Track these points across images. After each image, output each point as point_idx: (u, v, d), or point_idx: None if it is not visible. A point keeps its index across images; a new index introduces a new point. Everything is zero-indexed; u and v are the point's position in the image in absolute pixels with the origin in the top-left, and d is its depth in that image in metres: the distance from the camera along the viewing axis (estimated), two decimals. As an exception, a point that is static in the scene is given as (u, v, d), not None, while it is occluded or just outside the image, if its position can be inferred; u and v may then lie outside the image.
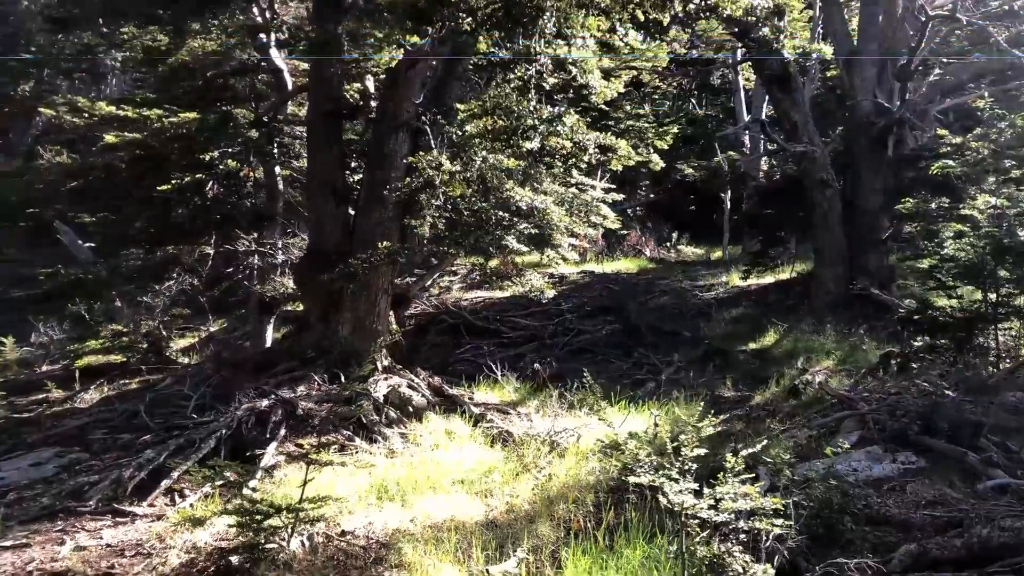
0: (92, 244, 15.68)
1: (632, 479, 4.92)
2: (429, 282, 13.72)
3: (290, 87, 11.78)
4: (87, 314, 14.54)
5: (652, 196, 24.43)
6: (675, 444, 4.89)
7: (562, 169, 8.83)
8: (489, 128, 8.14)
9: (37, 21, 19.47)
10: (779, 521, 4.70)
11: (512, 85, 8.11)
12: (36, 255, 17.60)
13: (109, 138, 11.38)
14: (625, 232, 20.36)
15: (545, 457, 7.34)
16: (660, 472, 4.72)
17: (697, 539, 4.56)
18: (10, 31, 22.59)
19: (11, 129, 23.26)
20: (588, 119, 9.31)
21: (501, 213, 8.58)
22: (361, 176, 10.44)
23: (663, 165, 12.58)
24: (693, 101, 26.08)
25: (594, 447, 7.25)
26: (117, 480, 6.74)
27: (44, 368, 14.29)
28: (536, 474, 6.95)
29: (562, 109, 8.07)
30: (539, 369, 10.79)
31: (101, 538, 5.88)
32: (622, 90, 8.98)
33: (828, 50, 11.47)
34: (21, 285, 16.99)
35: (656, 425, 6.30)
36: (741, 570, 4.32)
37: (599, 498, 6.24)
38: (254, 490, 5.98)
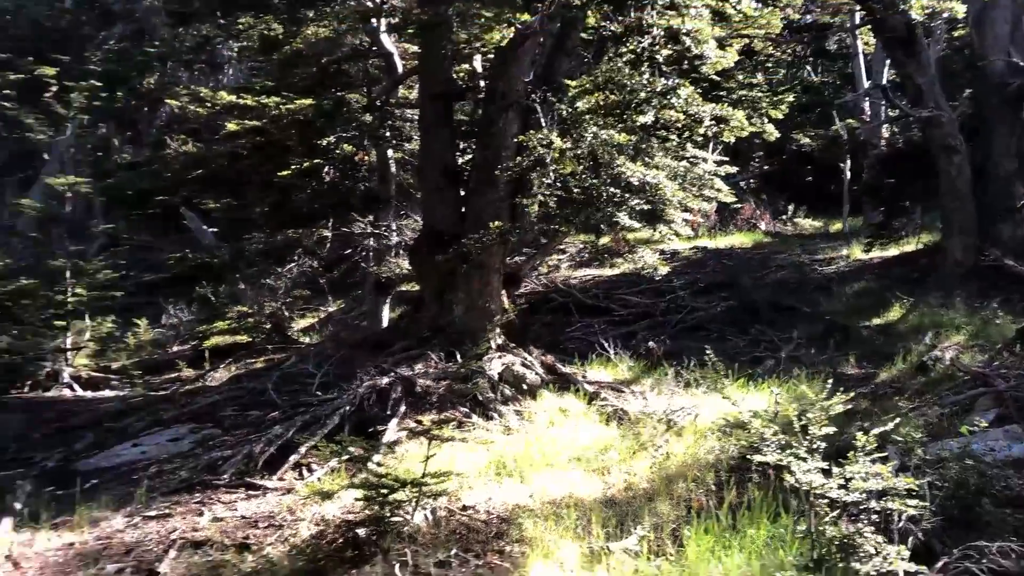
0: (215, 229, 16.39)
1: (757, 458, 4.81)
2: (540, 261, 13.72)
3: (400, 70, 11.94)
4: (213, 296, 15.25)
5: (766, 167, 23.73)
6: (801, 423, 4.76)
7: (677, 143, 8.64)
8: (601, 103, 8.04)
9: (160, 16, 20.36)
10: (912, 502, 4.51)
11: (624, 59, 7.98)
12: (164, 241, 18.50)
13: (231, 126, 11.82)
14: (739, 205, 19.83)
15: (662, 435, 7.28)
16: (787, 451, 4.60)
17: (826, 519, 4.44)
18: (136, 27, 23.60)
19: (139, 121, 24.38)
20: (698, 90, 9.07)
21: (612, 189, 8.47)
22: (471, 156, 10.52)
23: (778, 135, 12.12)
24: (808, 68, 25.12)
25: (712, 425, 7.14)
26: (248, 455, 7.04)
27: (175, 348, 15.08)
28: (653, 452, 6.90)
29: (676, 81, 7.88)
30: (653, 347, 10.66)
31: (236, 510, 6.16)
32: (736, 59, 8.68)
33: (960, 8, 10.81)
34: (151, 269, 17.88)
35: (778, 403, 6.16)
36: (873, 551, 4.18)
37: (719, 477, 6.15)
38: (379, 464, 6.13)
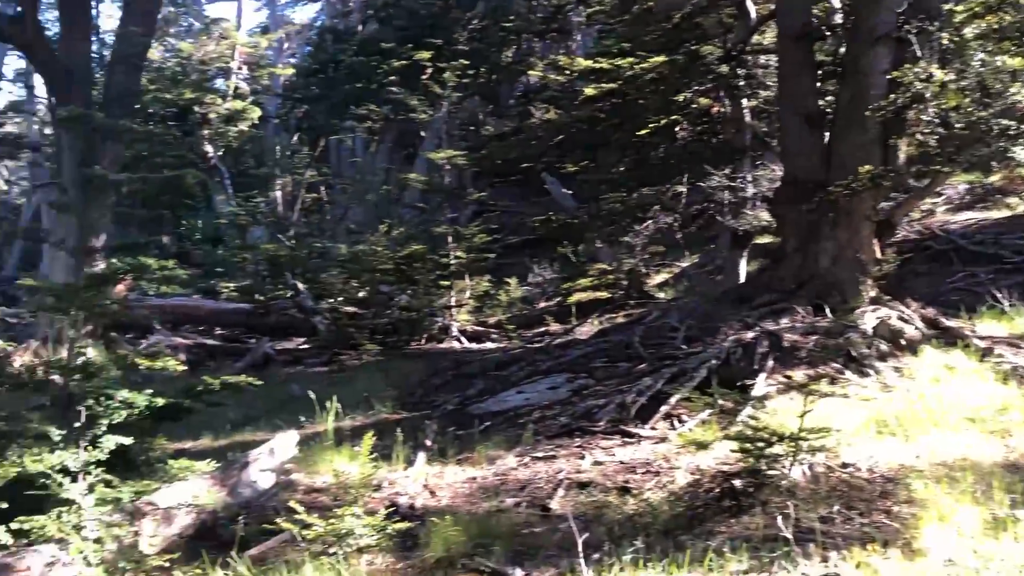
0: (571, 191, 17.18)
1: None
2: (914, 205, 12.66)
3: (754, 16, 11.59)
4: (574, 256, 16.06)
5: None
6: None
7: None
8: (994, 27, 7.20)
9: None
10: None
11: (1025, -27, 7.08)
12: (525, 205, 19.79)
13: (588, 91, 12.30)
14: None
15: (1079, 396, 6.46)
16: None
17: None
18: (494, 4, 25.18)
19: (500, 94, 26.12)
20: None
21: (1005, 121, 7.59)
22: (834, 98, 9.96)
23: None
24: None
25: None
26: (621, 404, 7.37)
27: (542, 304, 16.12)
28: (1068, 415, 6.15)
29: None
30: (1061, 297, 9.38)
31: (614, 455, 6.51)
32: None
33: None
34: (515, 232, 19.25)
35: None
36: None
37: None
38: (752, 418, 6.13)
